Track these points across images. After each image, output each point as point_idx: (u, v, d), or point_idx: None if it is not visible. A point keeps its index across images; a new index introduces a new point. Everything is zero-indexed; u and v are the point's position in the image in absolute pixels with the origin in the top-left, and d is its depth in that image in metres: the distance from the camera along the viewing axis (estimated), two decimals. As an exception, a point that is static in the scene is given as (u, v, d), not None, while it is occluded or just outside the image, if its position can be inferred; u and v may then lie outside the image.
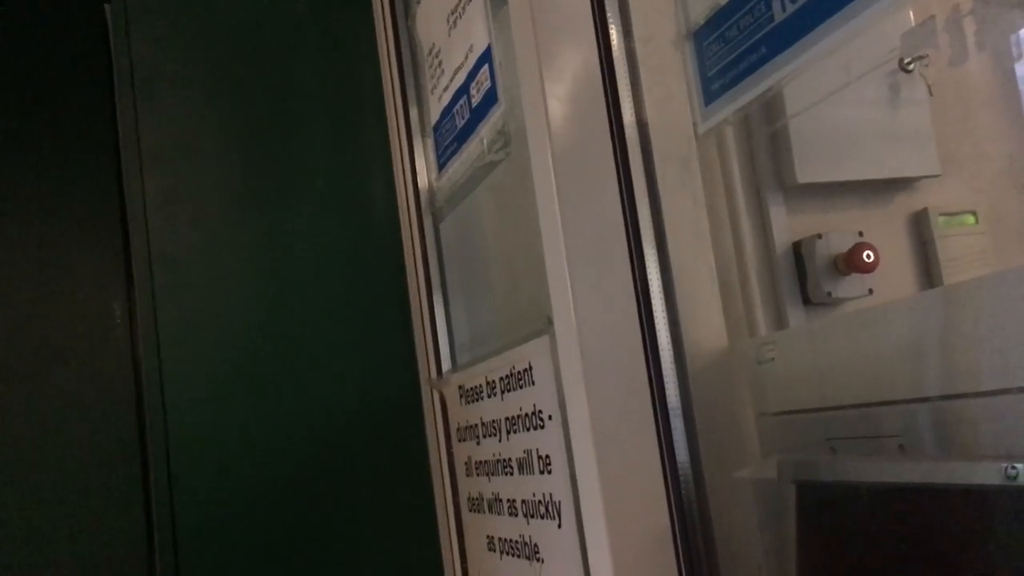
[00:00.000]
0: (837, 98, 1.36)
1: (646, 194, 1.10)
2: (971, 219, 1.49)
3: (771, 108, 1.35)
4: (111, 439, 2.10)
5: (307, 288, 1.64)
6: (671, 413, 1.05)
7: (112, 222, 2.26)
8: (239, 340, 1.59)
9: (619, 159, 1.08)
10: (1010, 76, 1.52)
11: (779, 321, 1.36)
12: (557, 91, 1.04)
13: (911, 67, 1.41)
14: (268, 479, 1.55)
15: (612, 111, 1.06)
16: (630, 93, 1.08)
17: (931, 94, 1.43)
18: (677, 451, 1.04)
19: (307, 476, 1.57)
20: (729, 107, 1.03)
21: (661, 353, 1.06)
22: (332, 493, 1.58)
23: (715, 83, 1.04)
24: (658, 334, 1.07)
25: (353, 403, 1.61)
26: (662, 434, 1.03)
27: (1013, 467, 0.73)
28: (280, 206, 1.65)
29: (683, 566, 1.00)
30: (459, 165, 1.40)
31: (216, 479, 1.55)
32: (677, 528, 1.01)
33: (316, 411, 1.59)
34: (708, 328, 1.19)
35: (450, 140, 1.42)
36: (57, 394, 2.01)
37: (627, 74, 1.08)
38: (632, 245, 1.07)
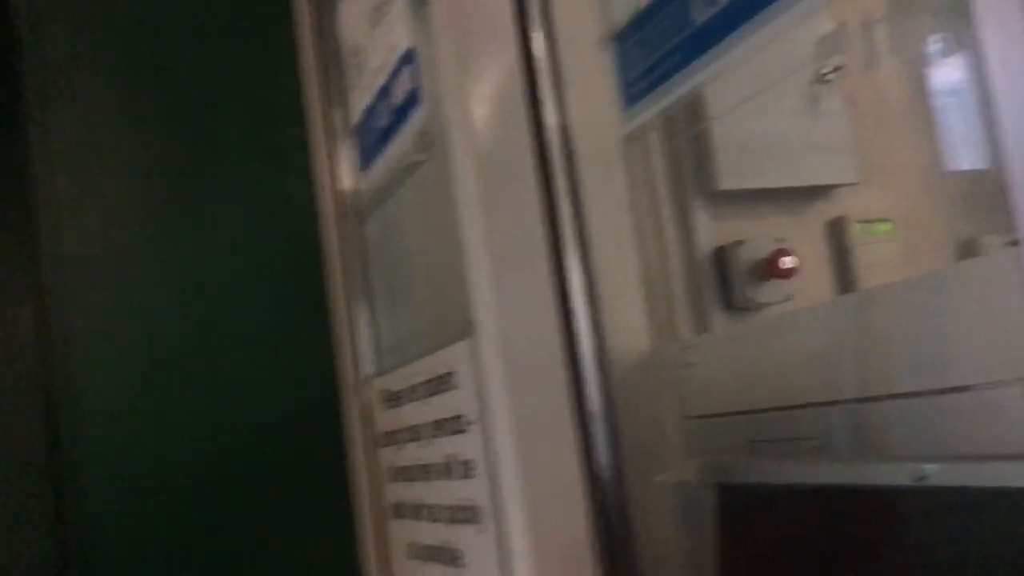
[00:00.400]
0: (758, 107, 1.38)
1: (568, 197, 1.09)
2: (886, 226, 1.53)
3: (694, 113, 1.36)
4: (18, 450, 2.01)
5: (224, 291, 1.59)
6: (592, 417, 1.04)
7: (19, 223, 2.17)
8: (152, 345, 1.54)
9: (541, 161, 1.07)
10: (923, 84, 1.56)
11: (701, 325, 1.37)
12: (478, 92, 1.03)
13: (829, 78, 1.44)
14: (183, 488, 1.51)
15: (534, 113, 1.05)
16: (553, 95, 1.07)
17: (849, 104, 1.46)
18: (599, 455, 1.04)
19: (224, 483, 1.53)
20: (650, 110, 1.03)
21: (583, 357, 1.05)
22: (251, 501, 1.54)
23: (636, 86, 1.04)
24: (580, 338, 1.06)
25: (273, 409, 1.57)
26: (583, 438, 1.02)
27: (924, 468, 0.74)
28: (196, 207, 1.60)
29: (604, 569, 0.99)
30: (382, 166, 1.38)
31: (129, 488, 1.50)
32: (597, 532, 1.00)
33: (234, 418, 1.55)
34: (631, 332, 1.19)
35: (372, 141, 1.40)
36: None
37: (549, 76, 1.08)
38: (554, 249, 1.06)
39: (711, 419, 1.12)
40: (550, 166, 1.08)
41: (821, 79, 1.43)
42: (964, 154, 1.65)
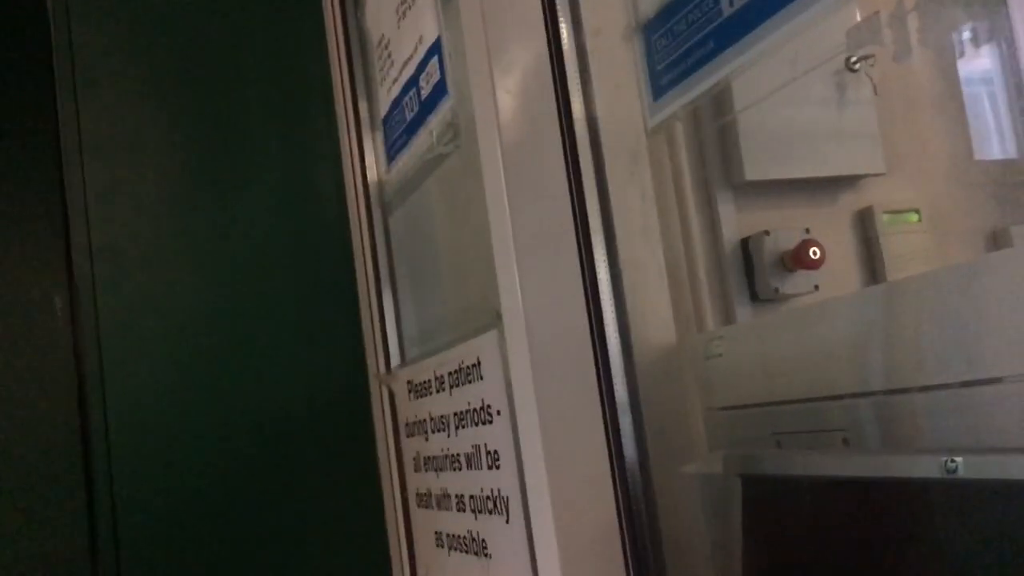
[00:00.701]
0: (785, 97, 1.37)
1: (595, 188, 1.09)
2: (914, 217, 1.51)
3: (720, 104, 1.36)
4: (52, 438, 2.04)
5: (253, 281, 1.61)
6: (619, 408, 1.05)
7: (53, 212, 2.20)
8: (182, 334, 1.56)
9: (568, 153, 1.07)
10: (953, 74, 1.55)
11: (727, 317, 1.36)
12: (506, 83, 1.03)
13: (857, 67, 1.43)
14: (212, 476, 1.53)
15: (561, 104, 1.06)
16: (580, 86, 1.08)
17: (876, 93, 1.45)
18: (625, 446, 1.04)
19: (253, 471, 1.54)
20: (678, 102, 1.03)
21: (609, 348, 1.05)
22: (278, 489, 1.55)
23: (664, 77, 1.04)
24: (606, 329, 1.07)
25: (300, 398, 1.59)
26: (610, 429, 1.03)
27: (952, 460, 0.74)
28: (225, 197, 1.62)
29: (630, 560, 1.00)
30: (408, 158, 1.39)
31: (158, 475, 1.52)
32: (624, 523, 1.01)
33: (262, 406, 1.57)
34: (656, 323, 1.19)
35: (399, 132, 1.41)
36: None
37: (577, 67, 1.08)
38: (581, 240, 1.07)
39: (737, 410, 1.12)
40: (577, 157, 1.08)
41: (849, 67, 1.42)
42: (994, 143, 1.63)
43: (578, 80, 1.08)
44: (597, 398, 1.03)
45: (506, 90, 1.03)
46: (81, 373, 2.17)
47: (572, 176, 1.07)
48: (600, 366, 1.04)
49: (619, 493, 1.01)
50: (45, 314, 2.15)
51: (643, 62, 1.08)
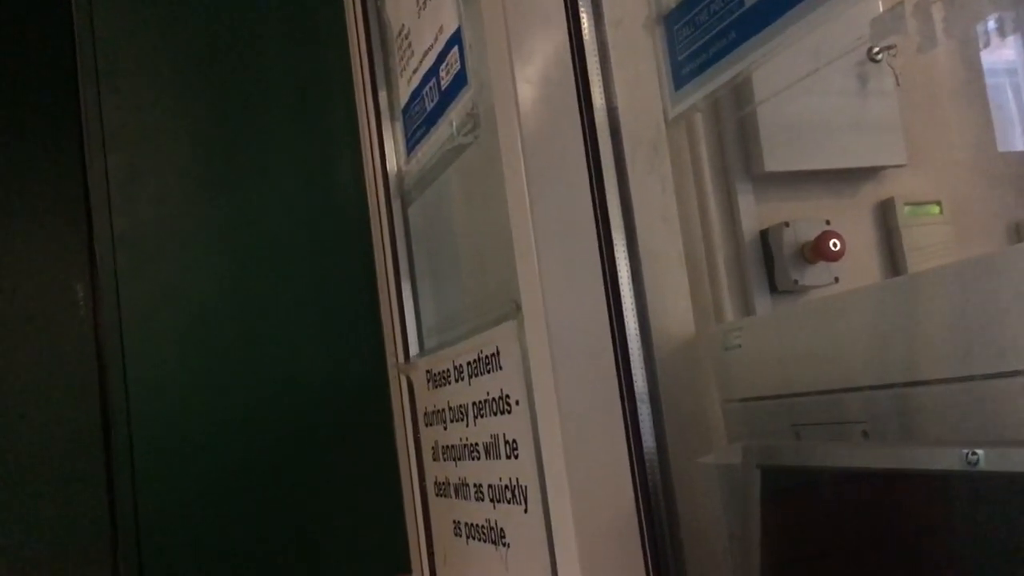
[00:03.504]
0: (806, 87, 1.37)
1: (615, 179, 1.09)
2: (936, 209, 1.50)
3: (741, 94, 1.35)
4: (73, 421, 2.07)
5: (273, 270, 1.62)
6: (638, 399, 1.05)
7: (75, 202, 2.22)
8: (202, 321, 1.57)
9: (588, 143, 1.07)
10: (976, 64, 1.53)
11: (746, 308, 1.36)
12: (527, 74, 1.03)
13: (879, 57, 1.41)
14: (231, 462, 1.54)
15: (582, 95, 1.06)
16: (600, 77, 1.07)
17: (899, 84, 1.44)
18: (644, 437, 1.04)
19: (271, 458, 1.56)
20: (699, 92, 1.02)
21: (629, 339, 1.06)
22: (297, 476, 1.57)
23: (685, 68, 1.04)
24: (626, 320, 1.07)
25: (319, 387, 1.60)
26: (629, 419, 1.03)
27: (974, 453, 0.74)
28: (246, 187, 1.63)
29: (648, 550, 1.00)
30: (428, 148, 1.39)
31: (178, 460, 1.53)
32: (642, 513, 1.01)
33: (281, 395, 1.58)
34: (675, 314, 1.19)
35: (419, 123, 1.41)
36: (18, 376, 1.97)
37: (597, 57, 1.08)
38: (601, 230, 1.07)
39: (755, 402, 1.11)
40: (597, 148, 1.08)
41: (872, 58, 1.41)
42: (1018, 135, 1.62)
43: (599, 70, 1.08)
44: (616, 388, 1.03)
45: (526, 80, 1.03)
46: (102, 360, 2.19)
47: (592, 166, 1.07)
48: (619, 356, 1.05)
49: (637, 483, 1.02)
50: (67, 302, 2.17)
51: (664, 52, 1.08)
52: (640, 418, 1.04)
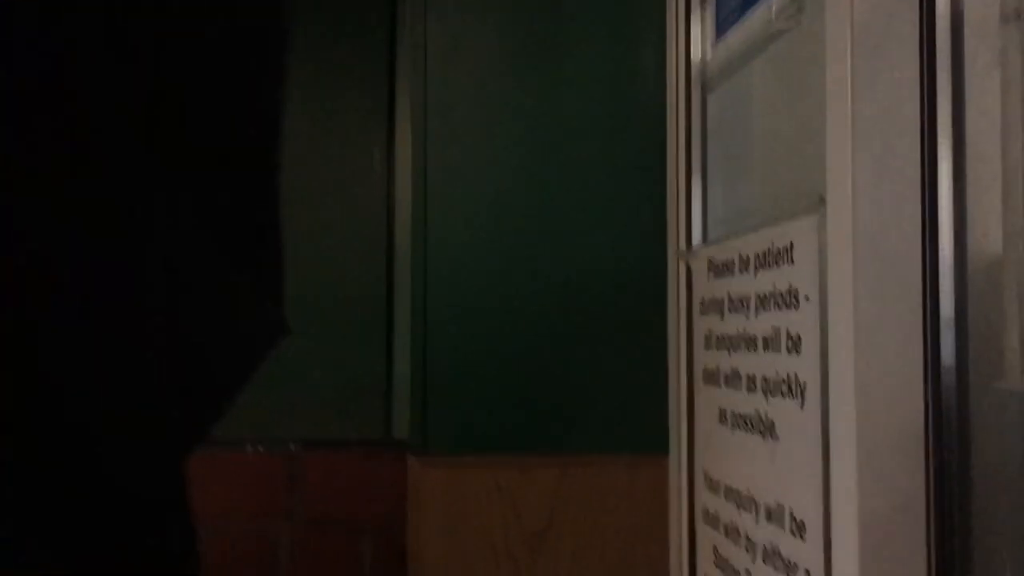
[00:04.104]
0: None
1: (949, 75, 1.02)
2: None
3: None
4: (361, 273, 2.28)
5: (569, 151, 1.67)
6: (942, 314, 1.00)
7: (379, 72, 2.38)
8: (500, 194, 1.66)
9: (924, 34, 1.00)
10: None
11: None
12: (868, -47, 0.97)
13: None
14: (515, 331, 1.64)
15: (926, -20, 0.98)
16: (948, -41, 0.99)
17: None
18: (943, 354, 0.99)
19: (550, 332, 1.64)
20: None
21: (941, 249, 1.00)
22: (571, 351, 1.65)
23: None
24: (940, 234, 1.01)
25: (601, 268, 1.66)
26: (928, 332, 0.99)
27: None
28: (553, 67, 1.68)
29: (931, 467, 0.97)
30: (740, 34, 1.35)
31: (466, 322, 1.65)
32: (931, 430, 0.97)
33: (566, 270, 1.65)
34: (985, 230, 1.11)
35: (733, 6, 1.37)
36: (318, 225, 2.19)
37: (949, -61, 0.99)
38: (925, 130, 1.00)
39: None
40: (933, 40, 1.00)
41: None
42: None
43: (947, -48, 0.99)
44: (919, 299, 0.99)
45: (865, -39, 0.97)
46: (391, 226, 2.37)
47: (925, 60, 1.00)
48: (927, 266, 0.99)
49: (930, 400, 0.98)
50: (364, 167, 2.36)
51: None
52: (942, 334, 0.99)
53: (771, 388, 1.17)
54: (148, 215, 2.20)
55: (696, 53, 1.55)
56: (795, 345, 1.11)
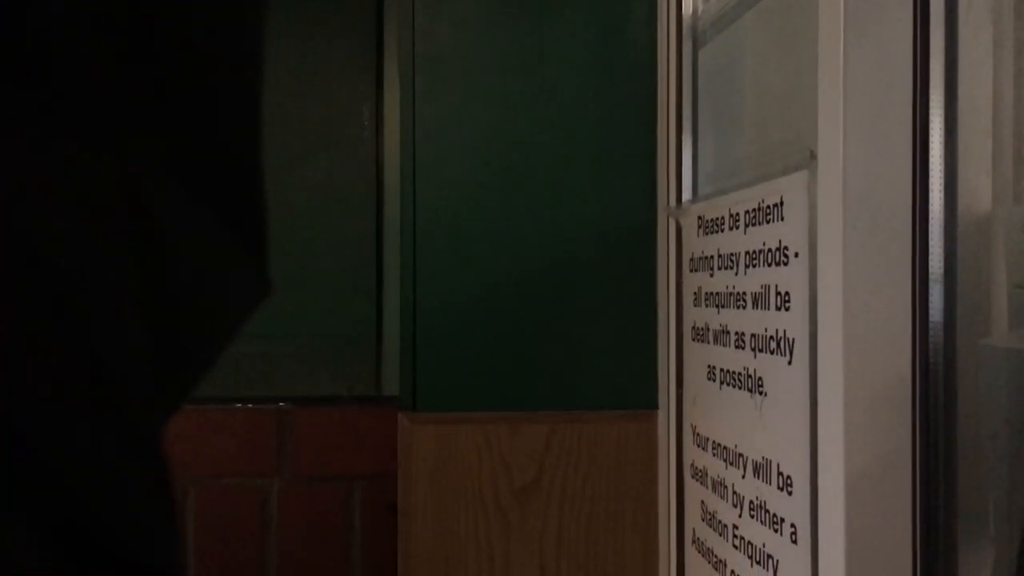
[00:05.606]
0: None
1: (942, 31, 1.01)
2: None
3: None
4: (350, 230, 2.27)
5: (556, 103, 1.65)
6: (931, 271, 1.00)
7: (368, 28, 2.36)
8: (488, 145, 1.65)
9: (919, -12, 0.99)
10: None
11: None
12: (864, -96, 0.96)
13: None
14: (504, 285, 1.64)
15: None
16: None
17: None
18: (931, 311, 1.00)
19: (539, 283, 1.64)
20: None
21: (931, 204, 1.00)
22: (560, 304, 1.64)
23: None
24: (931, 191, 1.01)
25: (589, 223, 1.65)
26: (917, 289, 0.99)
27: None
28: (541, 19, 1.65)
29: (918, 420, 0.98)
30: (732, -14, 1.34)
31: (455, 279, 1.65)
32: (918, 384, 0.98)
33: (555, 226, 1.64)
34: (974, 189, 1.11)
35: (725, -41, 1.35)
36: (306, 182, 2.17)
37: None
38: (918, 87, 1.00)
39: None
40: (928, -5, 0.99)
41: None
42: None
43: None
44: (909, 252, 0.99)
45: (861, -88, 0.96)
46: (380, 181, 2.36)
47: (919, 14, 0.99)
48: (917, 222, 0.99)
49: (917, 353, 0.98)
50: (353, 124, 2.34)
51: None
52: (931, 291, 1.00)
53: (760, 345, 1.17)
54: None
55: (687, 6, 1.53)
56: (784, 302, 1.11)
